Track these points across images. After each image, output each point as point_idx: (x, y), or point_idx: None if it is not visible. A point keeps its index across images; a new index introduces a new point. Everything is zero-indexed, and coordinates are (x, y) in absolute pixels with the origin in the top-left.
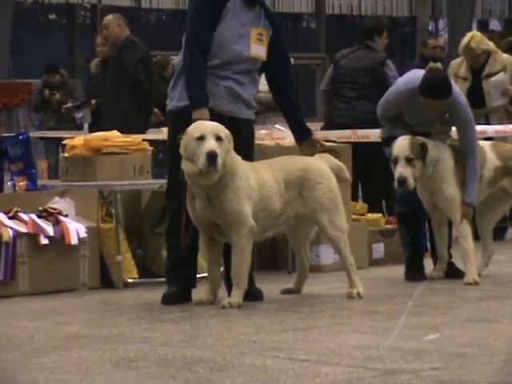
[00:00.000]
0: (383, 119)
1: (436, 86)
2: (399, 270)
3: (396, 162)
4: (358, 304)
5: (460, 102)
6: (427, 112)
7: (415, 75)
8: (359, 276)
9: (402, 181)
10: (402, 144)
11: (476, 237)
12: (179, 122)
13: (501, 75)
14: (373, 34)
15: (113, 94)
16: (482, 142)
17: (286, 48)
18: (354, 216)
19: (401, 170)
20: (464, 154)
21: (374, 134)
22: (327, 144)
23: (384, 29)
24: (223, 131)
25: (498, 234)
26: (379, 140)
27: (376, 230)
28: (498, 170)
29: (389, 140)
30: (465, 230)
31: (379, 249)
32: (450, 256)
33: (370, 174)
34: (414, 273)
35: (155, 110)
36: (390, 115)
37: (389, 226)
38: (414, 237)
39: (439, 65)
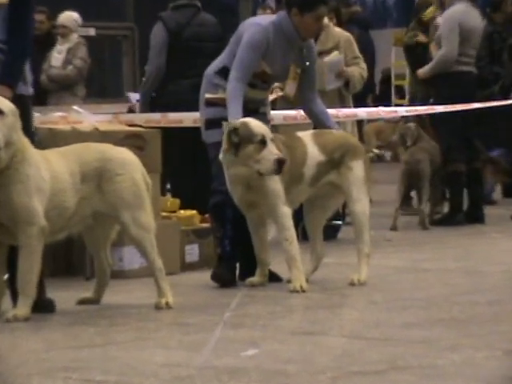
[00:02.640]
0: (242, 80)
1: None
2: None
3: (263, 143)
4: (167, 315)
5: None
6: (288, 51)
7: (261, 16)
8: (169, 283)
9: (282, 161)
10: (260, 124)
11: (304, 237)
12: None
13: (335, 55)
14: None
15: None
16: (301, 133)
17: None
18: (163, 213)
19: (276, 151)
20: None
21: (188, 118)
22: (133, 129)
23: None
24: (6, 105)
25: (330, 232)
26: (195, 125)
27: (189, 229)
28: (321, 166)
29: (216, 122)
30: (289, 230)
31: (193, 251)
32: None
33: (182, 164)
34: (222, 274)
35: None
36: (251, 71)
37: (204, 225)
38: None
39: None
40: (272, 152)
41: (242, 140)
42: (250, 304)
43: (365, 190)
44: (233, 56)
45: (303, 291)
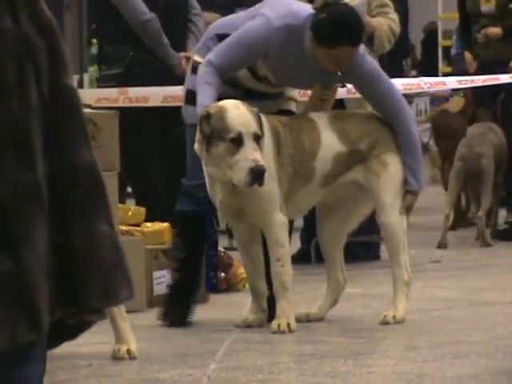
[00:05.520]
0: (219, 70)
1: (348, 27)
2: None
3: (239, 141)
4: (129, 368)
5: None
6: (309, 66)
7: (290, 6)
8: (131, 323)
9: (260, 171)
10: (242, 113)
11: (319, 258)
12: None
13: None
14: None
15: None
16: (316, 115)
17: None
18: (123, 227)
19: (254, 155)
20: (388, 120)
21: (156, 95)
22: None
23: None
24: None
25: (365, 251)
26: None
27: (159, 248)
28: (341, 159)
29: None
30: (282, 247)
31: (164, 279)
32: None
33: (147, 157)
34: (170, 312)
35: None
36: (237, 67)
37: None
38: (194, 254)
39: None
40: (247, 157)
41: (213, 133)
42: (243, 352)
43: (401, 196)
44: (238, 27)
45: (291, 331)
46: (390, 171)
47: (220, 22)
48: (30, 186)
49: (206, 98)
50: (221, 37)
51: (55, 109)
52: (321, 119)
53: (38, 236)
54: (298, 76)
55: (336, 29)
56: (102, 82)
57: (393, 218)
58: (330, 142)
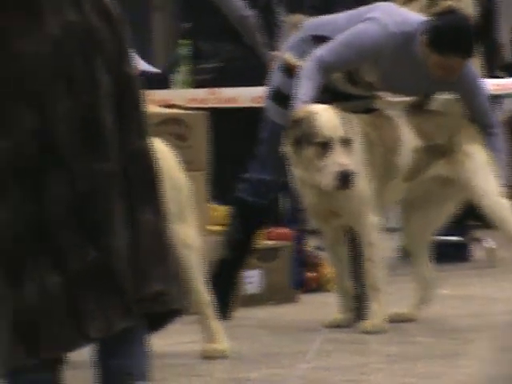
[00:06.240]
0: (326, 68)
1: (466, 40)
2: None
3: (327, 145)
4: (220, 368)
5: None
6: (418, 73)
7: (404, 14)
8: (222, 323)
9: (347, 175)
10: (331, 118)
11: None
12: None
13: None
14: None
15: None
16: (393, 112)
17: None
18: (209, 227)
19: (342, 159)
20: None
21: (248, 95)
22: (171, 111)
23: None
24: None
25: (455, 252)
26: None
27: None
28: (419, 154)
29: (284, 97)
30: (375, 247)
31: (254, 279)
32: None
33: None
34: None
35: None
36: (342, 68)
37: (270, 243)
38: (246, 241)
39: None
40: (335, 161)
41: (303, 136)
42: (333, 352)
43: (494, 179)
44: (341, 29)
45: (382, 332)
46: (475, 158)
47: (316, 24)
48: (107, 175)
49: (304, 93)
50: (318, 39)
51: (117, 96)
52: (399, 115)
53: (118, 223)
54: (405, 82)
55: (454, 39)
56: (198, 74)
57: (494, 199)
58: (408, 138)
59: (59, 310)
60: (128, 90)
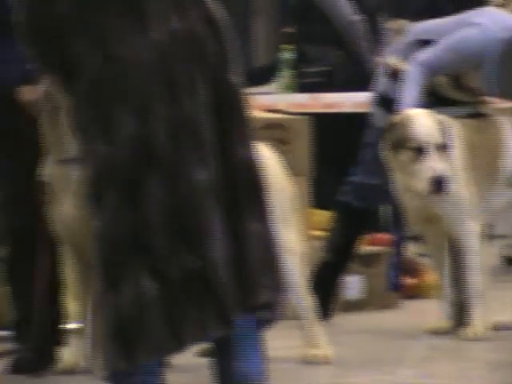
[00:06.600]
0: (430, 71)
1: None
2: None
3: (421, 150)
4: (323, 373)
5: None
6: None
7: (503, 17)
8: (323, 328)
9: (441, 181)
10: (426, 123)
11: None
12: None
13: None
14: None
15: None
16: (496, 115)
17: None
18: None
19: (436, 164)
20: None
21: (350, 101)
22: (273, 116)
23: None
24: None
25: None
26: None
27: None
28: None
29: (390, 101)
30: (475, 255)
31: (354, 285)
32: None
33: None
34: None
35: None
36: (444, 72)
37: (371, 248)
38: (348, 245)
39: None
40: (429, 166)
41: (398, 141)
42: (435, 359)
43: None
44: (447, 34)
45: (484, 339)
46: None
47: (421, 28)
48: (206, 184)
49: (410, 97)
50: (424, 43)
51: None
52: (502, 119)
53: (218, 232)
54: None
55: None
56: (303, 78)
57: None
58: (510, 141)
59: (157, 316)
60: (231, 98)
